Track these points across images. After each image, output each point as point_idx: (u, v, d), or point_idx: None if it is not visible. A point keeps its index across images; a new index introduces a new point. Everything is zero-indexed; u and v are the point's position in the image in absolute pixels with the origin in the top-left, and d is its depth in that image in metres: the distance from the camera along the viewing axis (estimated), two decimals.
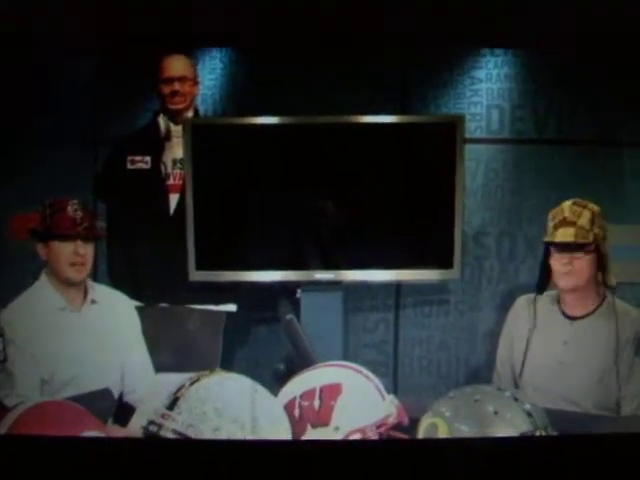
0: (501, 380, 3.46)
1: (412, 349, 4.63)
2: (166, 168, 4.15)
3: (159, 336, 3.63)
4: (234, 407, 2.44)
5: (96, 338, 3.36)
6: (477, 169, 4.51)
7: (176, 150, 4.15)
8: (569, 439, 2.32)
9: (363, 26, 4.20)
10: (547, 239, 3.35)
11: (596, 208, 3.30)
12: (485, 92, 4.51)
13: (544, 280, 3.40)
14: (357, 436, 2.54)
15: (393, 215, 4.07)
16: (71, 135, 4.58)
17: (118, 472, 2.00)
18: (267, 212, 4.08)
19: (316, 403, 2.59)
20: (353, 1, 4.07)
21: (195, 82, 4.23)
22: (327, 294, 4.12)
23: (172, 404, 2.44)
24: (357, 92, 4.44)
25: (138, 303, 3.75)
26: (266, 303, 4.27)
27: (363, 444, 2.39)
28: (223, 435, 2.37)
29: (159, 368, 3.45)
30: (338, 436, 2.53)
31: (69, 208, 3.34)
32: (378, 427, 2.57)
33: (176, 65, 4.14)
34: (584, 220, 3.27)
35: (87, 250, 3.36)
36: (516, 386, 3.37)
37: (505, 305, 4.15)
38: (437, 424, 2.45)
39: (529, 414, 2.42)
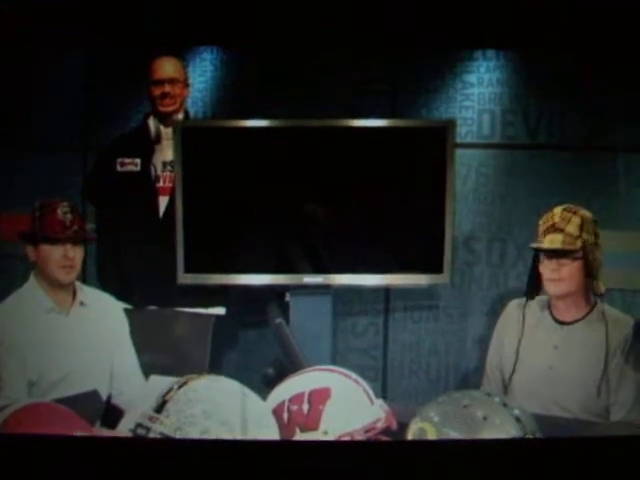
0: (491, 384, 3.46)
1: (401, 354, 4.63)
2: (156, 170, 4.15)
3: (147, 339, 3.62)
4: (222, 410, 2.44)
5: (84, 340, 3.35)
6: (468, 174, 4.51)
7: (166, 152, 4.15)
8: (557, 443, 2.32)
9: (354, 29, 4.20)
10: (534, 245, 3.36)
11: (587, 214, 3.30)
12: (476, 96, 4.51)
13: (533, 286, 3.40)
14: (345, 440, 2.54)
15: (383, 219, 4.06)
16: (61, 137, 4.58)
17: (106, 472, 1.99)
18: (256, 215, 4.07)
19: (305, 407, 2.59)
20: (344, 4, 4.07)
21: (185, 84, 4.23)
22: (316, 298, 4.11)
23: (160, 407, 2.44)
24: (348, 96, 4.44)
25: (127, 305, 3.73)
26: (255, 307, 4.26)
27: (351, 446, 2.39)
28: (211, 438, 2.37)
29: (147, 371, 3.43)
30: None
31: (59, 211, 3.33)
32: (367, 431, 2.57)
33: (166, 67, 4.14)
34: (573, 227, 3.27)
35: (76, 253, 3.35)
36: (505, 390, 3.37)
37: (495, 310, 4.16)
38: (426, 429, 2.46)
39: (518, 419, 2.43)
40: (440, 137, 3.99)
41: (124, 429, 2.71)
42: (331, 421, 2.56)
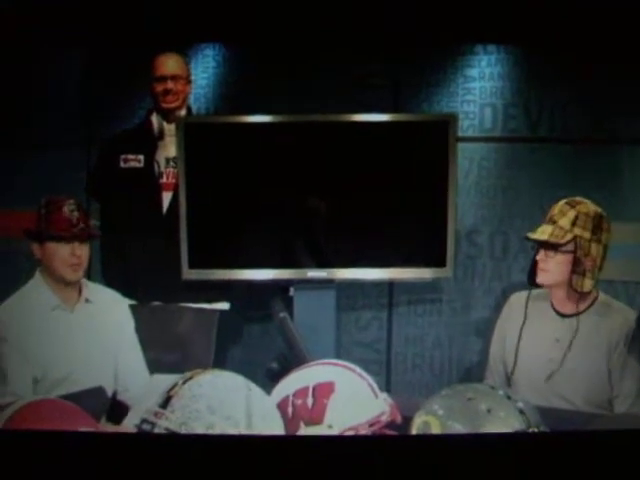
0: (494, 377, 3.47)
1: (405, 347, 4.64)
2: (159, 167, 4.15)
3: (152, 334, 3.64)
4: (227, 405, 2.44)
5: (90, 337, 3.36)
6: (470, 167, 4.51)
7: (169, 149, 4.16)
8: (561, 435, 2.32)
9: (355, 25, 4.21)
10: (527, 234, 3.38)
11: (588, 210, 3.29)
12: (478, 90, 4.51)
13: (531, 273, 3.41)
14: (350, 434, 2.54)
15: (386, 213, 4.06)
16: (64, 134, 4.58)
17: (111, 467, 2.00)
18: (260, 210, 4.08)
19: (309, 401, 2.59)
20: (346, 0, 4.07)
21: (188, 81, 4.23)
22: (320, 292, 4.12)
23: (165, 402, 2.44)
24: (350, 90, 4.45)
25: (131, 302, 3.75)
26: (259, 301, 4.27)
27: (356, 440, 2.40)
28: (216, 433, 2.38)
29: (152, 366, 3.45)
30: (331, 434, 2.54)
31: (65, 208, 3.32)
32: (371, 425, 2.58)
33: (169, 64, 4.14)
34: (565, 220, 3.28)
35: (83, 251, 3.35)
36: (509, 383, 3.37)
37: (498, 303, 4.18)
38: (430, 422, 2.46)
39: (522, 412, 2.43)
40: (442, 131, 3.99)
41: (129, 425, 2.72)
42: (335, 415, 2.56)
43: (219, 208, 4.06)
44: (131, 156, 4.15)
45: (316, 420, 2.57)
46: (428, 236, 4.08)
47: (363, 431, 2.55)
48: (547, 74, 4.42)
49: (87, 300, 3.41)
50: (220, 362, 3.80)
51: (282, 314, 3.38)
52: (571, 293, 3.32)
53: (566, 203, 3.32)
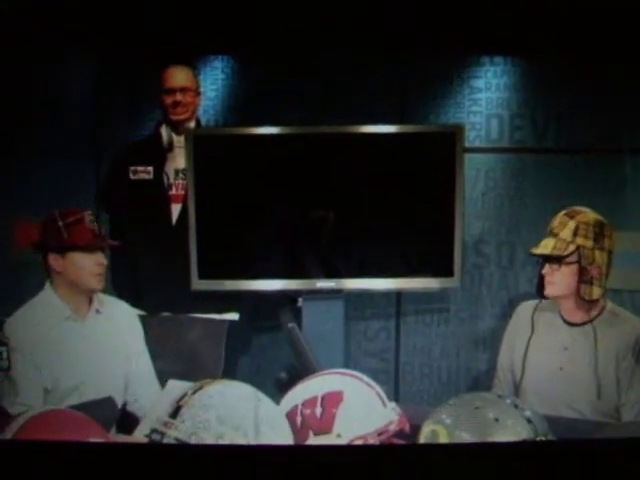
0: (502, 386, 3.47)
1: (413, 357, 4.64)
2: (168, 178, 4.17)
3: (162, 345, 3.64)
4: (237, 415, 2.45)
5: (100, 347, 3.37)
6: (477, 178, 4.52)
7: (178, 160, 4.18)
8: (568, 444, 2.33)
9: (363, 37, 4.22)
10: (531, 249, 3.40)
11: (588, 218, 3.30)
12: (484, 101, 4.52)
13: (539, 286, 3.42)
14: (358, 443, 2.55)
15: (393, 224, 4.08)
16: (74, 145, 4.59)
17: (121, 477, 2.01)
18: (268, 221, 4.09)
19: (318, 411, 2.60)
20: (353, 11, 4.09)
21: (197, 93, 4.25)
22: (328, 302, 4.13)
23: (175, 412, 2.45)
24: (357, 102, 4.46)
25: (141, 312, 3.76)
26: (268, 312, 4.28)
27: (365, 450, 2.40)
28: (225, 443, 2.39)
29: (162, 377, 3.45)
30: (340, 444, 2.54)
31: (86, 220, 3.35)
32: (380, 434, 2.59)
33: (178, 76, 4.16)
34: (567, 232, 3.29)
35: (105, 260, 3.40)
36: (517, 392, 3.38)
37: (505, 313, 4.19)
38: (438, 431, 2.46)
39: (529, 421, 2.43)
40: (449, 142, 4.01)
41: (140, 435, 2.73)
42: (344, 424, 2.57)
43: (228, 219, 4.08)
44: (140, 168, 4.17)
45: (325, 429, 2.58)
46: (435, 246, 4.09)
47: (372, 440, 2.56)
48: (553, 85, 4.42)
49: (97, 311, 3.42)
50: (229, 372, 3.80)
51: (291, 324, 3.39)
52: (580, 302, 3.33)
53: (565, 214, 3.33)
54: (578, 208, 3.35)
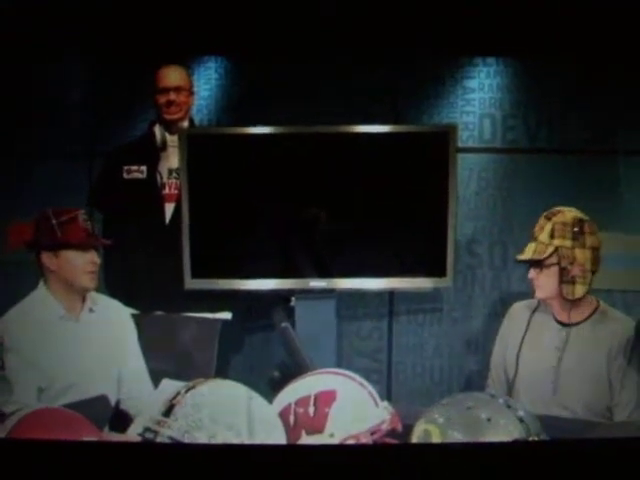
0: (495, 386, 3.48)
1: (405, 356, 4.65)
2: (162, 178, 4.18)
3: (155, 344, 3.64)
4: (229, 414, 2.45)
5: (93, 346, 3.37)
6: (469, 178, 4.53)
7: (172, 160, 4.18)
8: (561, 444, 2.33)
9: (356, 37, 4.23)
10: (516, 256, 3.45)
11: (565, 218, 3.32)
12: (477, 102, 4.53)
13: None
14: (351, 442, 2.56)
15: (386, 224, 4.08)
16: (67, 145, 4.60)
17: (114, 476, 2.01)
18: (262, 221, 4.10)
19: (311, 410, 2.60)
20: (347, 12, 4.09)
21: (191, 92, 4.25)
22: (321, 302, 4.14)
23: (168, 411, 2.45)
24: (351, 102, 4.46)
25: (134, 311, 3.76)
26: (261, 311, 4.29)
27: (357, 449, 2.41)
28: (219, 442, 2.39)
29: (155, 375, 3.46)
30: (333, 443, 2.55)
31: (80, 218, 3.36)
32: (372, 434, 2.58)
33: (172, 75, 4.16)
34: (544, 234, 3.32)
35: (98, 258, 3.40)
36: (510, 392, 3.38)
37: (497, 313, 4.20)
38: (430, 431, 2.46)
39: (522, 420, 2.43)
40: (442, 142, 4.01)
41: (133, 434, 2.73)
42: (337, 423, 2.57)
43: (221, 219, 4.08)
44: (134, 167, 4.17)
45: (317, 429, 2.58)
46: (428, 246, 4.10)
47: (364, 439, 2.56)
48: (546, 85, 4.44)
49: (91, 310, 3.42)
50: (222, 371, 3.80)
51: (283, 324, 3.39)
52: (564, 303, 3.34)
53: (544, 217, 3.36)
54: (558, 208, 3.37)
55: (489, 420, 2.43)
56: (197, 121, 4.45)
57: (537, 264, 3.33)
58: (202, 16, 4.11)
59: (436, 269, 4.08)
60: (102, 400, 3.12)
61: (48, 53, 4.38)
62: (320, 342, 3.90)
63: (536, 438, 2.42)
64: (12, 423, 2.50)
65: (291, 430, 2.59)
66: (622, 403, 3.25)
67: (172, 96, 4.13)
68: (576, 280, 3.28)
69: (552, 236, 3.29)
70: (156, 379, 3.37)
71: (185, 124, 4.22)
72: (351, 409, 2.61)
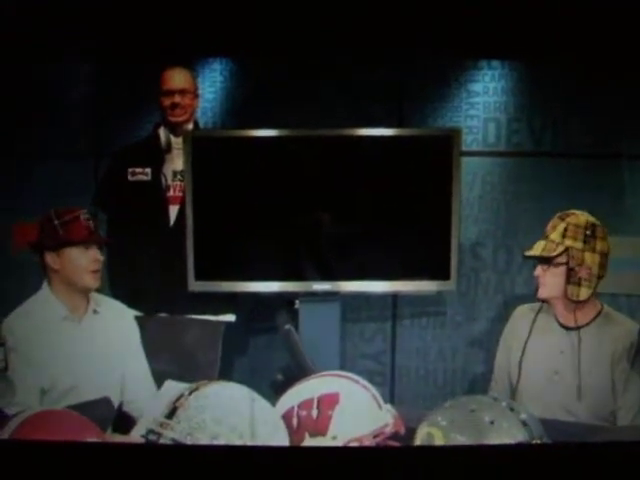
0: (498, 389, 3.48)
1: (409, 359, 4.65)
2: (166, 180, 4.18)
3: (158, 346, 3.64)
4: (232, 416, 2.45)
5: (97, 348, 3.36)
6: (474, 181, 4.53)
7: (176, 162, 4.18)
8: (564, 447, 2.33)
9: (361, 40, 4.23)
10: (524, 252, 3.43)
11: (578, 220, 3.32)
12: (482, 105, 4.53)
13: (537, 289, 3.44)
14: (354, 445, 2.56)
15: (390, 227, 4.09)
16: (72, 146, 4.61)
17: (117, 478, 2.01)
18: (266, 223, 4.10)
19: (314, 412, 2.60)
20: (352, 15, 4.09)
21: (195, 95, 4.26)
22: (325, 305, 4.14)
23: (171, 413, 2.45)
24: (355, 105, 4.47)
25: (138, 313, 3.76)
26: (264, 314, 4.29)
27: (360, 451, 2.41)
28: (222, 444, 2.39)
29: (158, 378, 3.46)
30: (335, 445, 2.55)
31: (82, 217, 3.36)
32: (375, 436, 2.58)
33: (177, 78, 4.17)
34: (556, 233, 3.31)
35: (101, 257, 3.41)
36: (513, 395, 3.38)
37: (501, 316, 4.19)
38: (433, 434, 2.46)
39: (525, 424, 2.43)
40: (446, 145, 4.01)
41: (136, 435, 2.73)
42: (340, 426, 2.57)
43: (225, 221, 4.08)
44: (138, 169, 4.17)
45: (321, 431, 2.58)
46: (432, 249, 4.10)
47: (367, 442, 2.56)
48: (550, 89, 4.44)
49: (94, 311, 3.42)
50: (225, 373, 3.79)
51: (287, 326, 3.39)
52: (569, 304, 3.34)
53: (558, 217, 3.36)
54: (572, 211, 3.37)
55: (492, 423, 2.43)
56: (202, 123, 4.46)
57: (545, 262, 3.32)
58: (207, 18, 4.11)
59: (440, 272, 4.08)
60: (105, 402, 3.12)
61: (56, 53, 4.38)
62: (324, 345, 3.89)
63: (539, 441, 2.42)
64: (15, 425, 2.49)
65: (294, 432, 2.59)
66: (625, 407, 3.25)
67: (177, 98, 4.14)
68: (582, 282, 3.28)
69: (564, 236, 3.29)
70: (159, 381, 3.37)
71: (190, 126, 4.23)
72: (354, 412, 2.61)
